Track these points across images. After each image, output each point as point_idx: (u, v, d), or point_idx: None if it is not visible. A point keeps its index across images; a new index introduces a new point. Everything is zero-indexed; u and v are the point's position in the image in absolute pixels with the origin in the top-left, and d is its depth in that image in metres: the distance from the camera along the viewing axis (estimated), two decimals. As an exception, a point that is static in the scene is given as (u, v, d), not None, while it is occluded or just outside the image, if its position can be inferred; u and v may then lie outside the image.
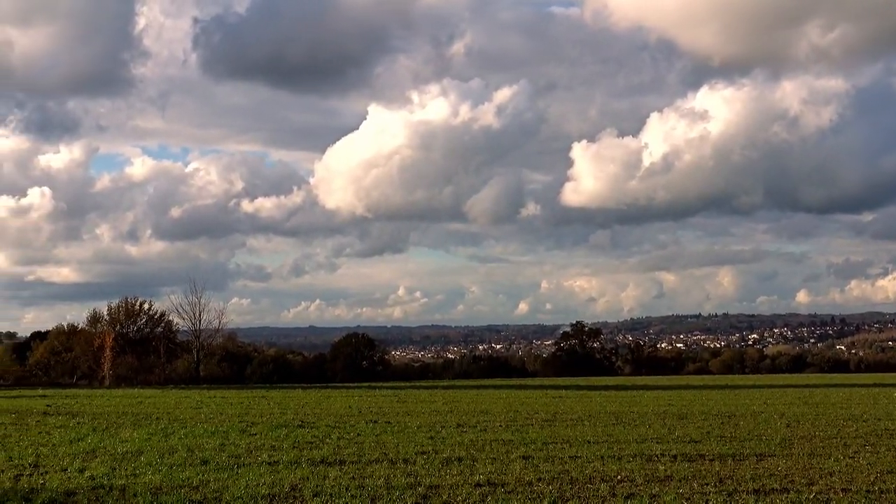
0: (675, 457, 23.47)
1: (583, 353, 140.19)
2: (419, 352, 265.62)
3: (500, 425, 32.67)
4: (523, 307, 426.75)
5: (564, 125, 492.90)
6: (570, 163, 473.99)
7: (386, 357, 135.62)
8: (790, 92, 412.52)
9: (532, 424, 33.21)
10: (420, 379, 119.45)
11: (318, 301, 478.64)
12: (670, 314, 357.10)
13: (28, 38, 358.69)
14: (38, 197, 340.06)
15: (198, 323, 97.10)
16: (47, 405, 43.30)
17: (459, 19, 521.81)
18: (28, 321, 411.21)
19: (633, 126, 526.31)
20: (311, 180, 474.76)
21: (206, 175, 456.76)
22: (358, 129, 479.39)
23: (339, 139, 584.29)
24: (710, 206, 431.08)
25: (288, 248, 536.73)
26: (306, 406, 44.73)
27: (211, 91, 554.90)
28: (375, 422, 33.89)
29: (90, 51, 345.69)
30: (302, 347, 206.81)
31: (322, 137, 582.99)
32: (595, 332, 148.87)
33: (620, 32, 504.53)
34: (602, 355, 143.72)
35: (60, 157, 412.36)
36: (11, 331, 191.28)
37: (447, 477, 19.55)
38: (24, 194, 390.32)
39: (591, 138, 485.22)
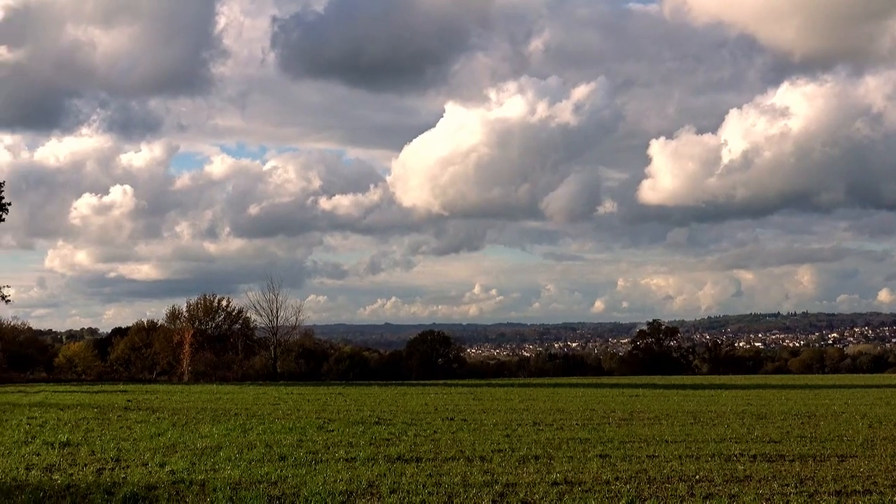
0: (754, 457, 23.22)
1: (659, 351, 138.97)
2: (494, 349, 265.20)
3: (577, 424, 32.54)
4: (599, 305, 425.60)
5: (642, 122, 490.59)
6: (647, 160, 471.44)
7: (461, 355, 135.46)
8: (873, 88, 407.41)
9: (609, 423, 33.03)
10: (495, 377, 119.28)
11: (393, 298, 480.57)
12: (748, 313, 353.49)
13: (110, 38, 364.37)
14: (120, 195, 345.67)
15: (275, 320, 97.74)
16: (128, 400, 43.83)
17: (537, 16, 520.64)
18: (109, 317, 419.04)
19: (711, 123, 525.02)
20: (388, 178, 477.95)
21: (284, 173, 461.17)
22: (435, 126, 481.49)
23: (415, 137, 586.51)
24: (789, 203, 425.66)
25: (364, 246, 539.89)
26: (382, 403, 44.85)
27: (289, 89, 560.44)
28: (451, 419, 33.91)
29: (171, 50, 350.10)
30: (377, 345, 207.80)
31: (399, 135, 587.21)
32: (672, 330, 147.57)
33: (699, 28, 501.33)
34: (679, 354, 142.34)
35: (141, 156, 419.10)
36: (93, 327, 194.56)
37: (524, 475, 19.51)
38: (107, 192, 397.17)
39: (670, 135, 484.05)
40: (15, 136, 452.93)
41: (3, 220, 74.87)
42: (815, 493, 17.91)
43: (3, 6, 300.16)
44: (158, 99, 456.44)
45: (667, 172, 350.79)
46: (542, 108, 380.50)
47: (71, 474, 18.79)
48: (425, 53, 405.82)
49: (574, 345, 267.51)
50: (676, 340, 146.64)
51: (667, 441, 26.68)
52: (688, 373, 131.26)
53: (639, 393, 59.45)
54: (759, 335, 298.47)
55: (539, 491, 17.62)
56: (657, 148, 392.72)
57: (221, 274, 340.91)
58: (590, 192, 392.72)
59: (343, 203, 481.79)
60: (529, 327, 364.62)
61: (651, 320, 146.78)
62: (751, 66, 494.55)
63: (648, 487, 18.26)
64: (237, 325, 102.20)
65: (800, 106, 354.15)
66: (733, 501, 16.98)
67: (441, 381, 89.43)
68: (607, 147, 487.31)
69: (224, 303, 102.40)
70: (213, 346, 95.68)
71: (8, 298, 78.58)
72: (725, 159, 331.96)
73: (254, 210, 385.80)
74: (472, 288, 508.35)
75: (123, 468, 19.76)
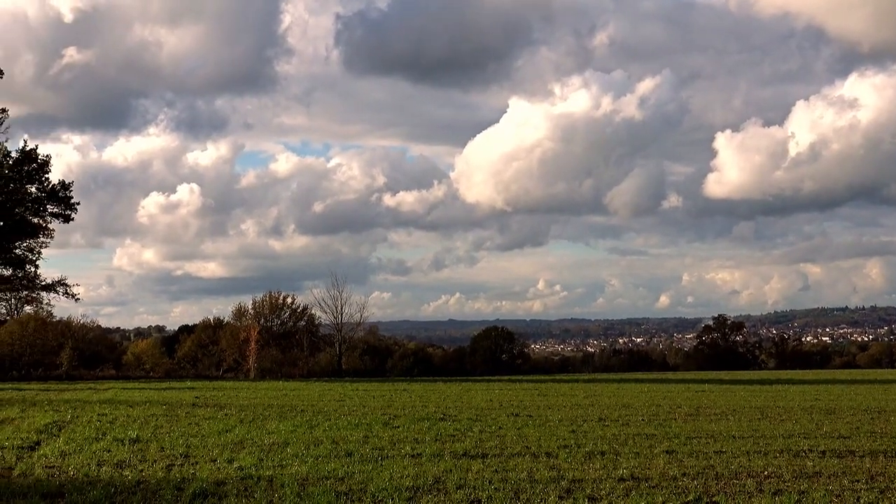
0: (823, 453, 22.98)
1: (725, 346, 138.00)
2: (558, 345, 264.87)
3: (643, 419, 32.39)
4: (664, 300, 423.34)
5: (707, 115, 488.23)
6: (713, 153, 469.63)
7: (525, 350, 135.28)
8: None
9: (675, 419, 32.85)
10: (560, 372, 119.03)
11: (457, 294, 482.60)
12: (816, 307, 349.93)
13: (176, 38, 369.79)
14: (187, 193, 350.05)
15: (340, 317, 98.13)
16: (195, 397, 44.26)
17: (601, 10, 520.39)
18: (176, 315, 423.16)
19: (778, 115, 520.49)
20: (452, 174, 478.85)
21: (349, 170, 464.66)
22: (498, 122, 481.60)
23: (479, 133, 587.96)
24: (858, 196, 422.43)
25: (428, 242, 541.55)
26: (447, 399, 44.92)
27: (352, 87, 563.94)
28: (517, 415, 33.89)
29: (236, 49, 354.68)
30: (441, 341, 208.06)
31: (462, 131, 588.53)
32: (738, 325, 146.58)
33: (766, 20, 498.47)
34: (745, 349, 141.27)
35: (208, 155, 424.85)
36: (160, 324, 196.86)
37: (590, 471, 19.46)
38: (174, 191, 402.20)
39: (736, 128, 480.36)
40: (84, 137, 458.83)
41: (73, 219, 75.71)
42: (887, 489, 17.69)
43: (72, 8, 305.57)
44: (224, 98, 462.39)
45: (733, 166, 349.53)
46: (606, 103, 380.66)
47: (141, 470, 19.02)
48: (488, 49, 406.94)
49: (639, 340, 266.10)
50: (742, 335, 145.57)
51: (734, 437, 26.49)
52: (754, 368, 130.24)
53: (705, 388, 59.02)
54: (827, 330, 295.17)
55: (605, 487, 17.56)
56: (723, 141, 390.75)
57: (286, 271, 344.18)
58: (654, 187, 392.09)
59: (407, 200, 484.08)
60: (594, 323, 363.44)
61: (717, 315, 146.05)
62: (818, 57, 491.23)
63: (716, 483, 18.14)
64: (302, 323, 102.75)
65: (869, 97, 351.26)
66: (802, 498, 16.81)
67: (505, 377, 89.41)
68: (672, 141, 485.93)
69: (289, 300, 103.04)
70: (278, 343, 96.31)
71: (77, 297, 79.55)
72: (792, 152, 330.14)
73: (318, 207, 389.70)
74: (535, 283, 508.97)
75: (192, 464, 19.96)
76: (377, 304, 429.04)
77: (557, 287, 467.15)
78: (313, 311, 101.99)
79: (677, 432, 27.46)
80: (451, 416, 33.25)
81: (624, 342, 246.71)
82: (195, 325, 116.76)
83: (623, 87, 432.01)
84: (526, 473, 18.91)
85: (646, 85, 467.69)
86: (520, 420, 31.66)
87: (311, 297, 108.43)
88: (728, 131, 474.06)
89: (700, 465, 20.56)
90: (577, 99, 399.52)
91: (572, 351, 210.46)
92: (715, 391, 55.47)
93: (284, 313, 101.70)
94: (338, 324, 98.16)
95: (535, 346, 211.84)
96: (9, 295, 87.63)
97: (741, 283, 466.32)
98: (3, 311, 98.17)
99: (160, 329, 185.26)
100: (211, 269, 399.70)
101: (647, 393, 52.58)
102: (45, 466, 19.45)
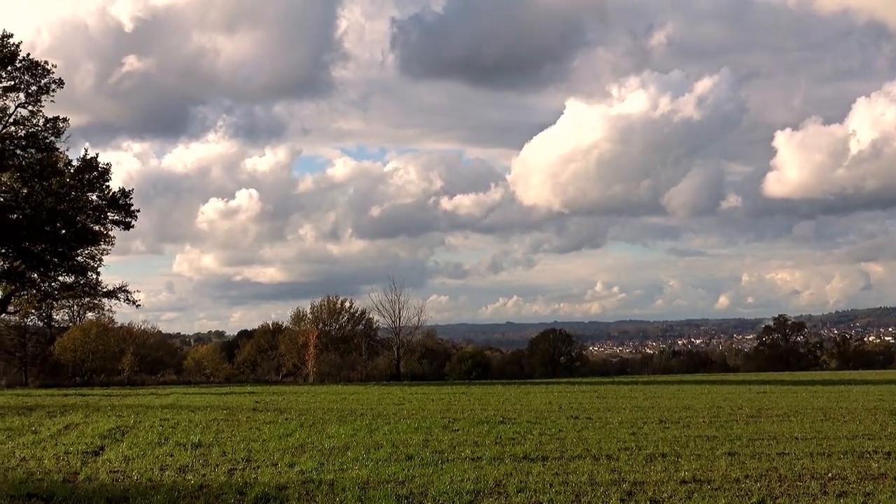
0: (888, 454, 22.69)
1: (786, 347, 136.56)
2: (617, 347, 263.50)
3: (703, 421, 32.16)
4: (723, 301, 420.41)
5: (766, 114, 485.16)
6: (772, 152, 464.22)
7: (583, 353, 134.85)
8: None
9: (736, 420, 32.57)
10: (618, 375, 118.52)
11: (515, 297, 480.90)
12: (878, 306, 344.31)
13: (233, 45, 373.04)
14: (246, 199, 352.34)
15: (397, 320, 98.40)
16: (256, 402, 44.52)
17: (657, 9, 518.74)
18: (235, 320, 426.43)
19: (839, 113, 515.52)
20: (509, 177, 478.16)
21: (405, 174, 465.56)
22: (555, 124, 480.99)
23: (535, 135, 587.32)
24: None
25: (485, 245, 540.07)
26: (506, 402, 44.85)
27: (408, 90, 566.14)
28: (576, 417, 33.78)
29: (293, 55, 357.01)
30: (499, 343, 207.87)
31: (518, 133, 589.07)
32: (799, 325, 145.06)
33: (825, 17, 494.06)
34: (806, 349, 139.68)
35: (266, 160, 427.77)
36: (220, 329, 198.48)
37: (651, 473, 19.35)
38: (233, 197, 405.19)
39: (795, 126, 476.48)
40: (143, 145, 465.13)
41: (133, 226, 76.56)
42: (954, 490, 17.44)
43: (132, 17, 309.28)
44: (282, 104, 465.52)
45: (793, 164, 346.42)
46: (664, 103, 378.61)
47: (203, 475, 19.17)
48: (544, 50, 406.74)
49: (698, 341, 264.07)
50: (804, 336, 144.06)
51: (797, 438, 26.22)
52: (815, 369, 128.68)
53: (766, 390, 58.49)
54: (890, 329, 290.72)
55: (667, 489, 17.47)
56: (782, 140, 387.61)
57: (344, 275, 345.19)
58: (713, 187, 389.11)
59: (464, 203, 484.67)
60: (652, 324, 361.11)
61: (777, 315, 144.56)
62: (879, 53, 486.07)
63: (779, 486, 17.98)
64: (360, 327, 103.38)
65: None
66: (868, 500, 16.62)
67: (564, 380, 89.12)
68: (731, 140, 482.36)
69: (347, 304, 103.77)
70: (337, 347, 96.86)
71: (138, 303, 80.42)
72: (854, 150, 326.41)
73: (375, 211, 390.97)
74: (593, 285, 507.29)
75: (254, 468, 20.09)
76: (435, 308, 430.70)
77: (615, 289, 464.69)
78: (371, 315, 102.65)
79: (739, 434, 27.23)
80: (511, 419, 33.21)
81: (683, 343, 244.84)
82: (254, 330, 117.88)
83: (681, 86, 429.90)
84: (587, 476, 18.85)
85: (704, 84, 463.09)
86: (579, 422, 31.56)
87: (369, 301, 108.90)
88: (788, 130, 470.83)
89: (763, 467, 20.38)
90: (634, 99, 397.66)
91: (631, 353, 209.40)
92: (776, 392, 54.97)
93: (343, 317, 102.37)
94: (396, 327, 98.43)
95: (594, 349, 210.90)
96: (71, 302, 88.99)
97: (802, 282, 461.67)
98: (66, 317, 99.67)
99: (220, 334, 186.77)
100: (270, 274, 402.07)
101: (707, 394, 52.21)
102: (110, 471, 19.66)
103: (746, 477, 18.91)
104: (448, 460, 21.34)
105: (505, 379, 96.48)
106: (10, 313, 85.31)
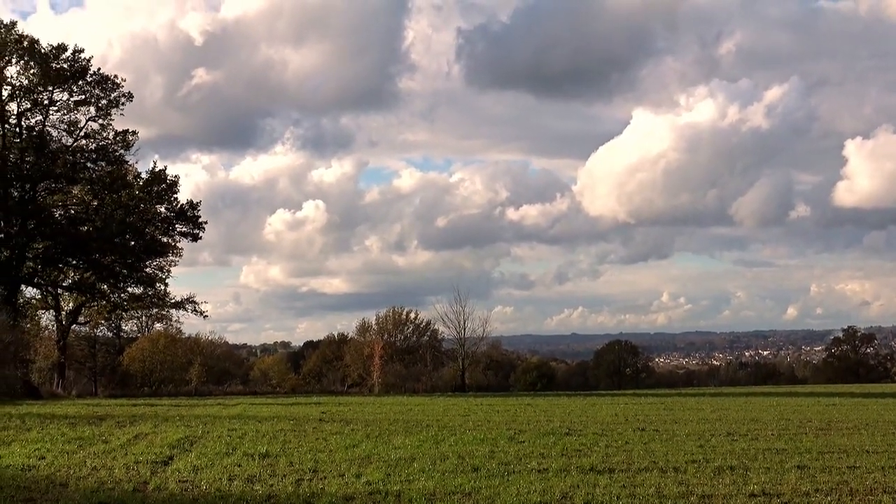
0: (962, 468, 22.32)
1: (856, 359, 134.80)
2: (683, 358, 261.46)
3: (772, 434, 31.80)
4: (791, 312, 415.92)
5: (837, 123, 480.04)
6: (842, 161, 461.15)
7: (649, 364, 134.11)
8: None
9: (805, 433, 32.17)
10: (685, 386, 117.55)
11: (580, 308, 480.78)
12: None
13: (300, 57, 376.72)
14: (313, 210, 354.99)
15: (462, 331, 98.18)
16: (322, 412, 44.62)
17: (727, 18, 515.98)
18: (301, 331, 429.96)
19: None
20: (574, 187, 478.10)
21: (471, 185, 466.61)
22: (621, 134, 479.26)
23: (601, 145, 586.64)
24: None
25: (551, 256, 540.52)
26: (572, 413, 44.63)
27: (474, 101, 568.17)
28: (643, 429, 33.55)
29: (360, 67, 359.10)
30: (564, 355, 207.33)
31: (585, 144, 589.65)
32: (869, 337, 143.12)
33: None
34: (876, 361, 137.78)
35: (332, 172, 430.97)
36: (286, 340, 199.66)
37: (719, 486, 19.18)
38: (300, 208, 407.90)
39: (866, 135, 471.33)
40: (212, 157, 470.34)
41: (201, 238, 77.46)
42: None
43: (202, 31, 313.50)
44: (349, 115, 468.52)
45: (863, 174, 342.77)
46: (732, 112, 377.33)
47: (271, 485, 19.29)
48: (611, 59, 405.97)
49: (765, 353, 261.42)
50: (874, 347, 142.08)
51: (868, 452, 25.84)
52: (886, 381, 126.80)
53: (835, 402, 57.70)
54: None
55: (736, 503, 17.32)
56: (853, 148, 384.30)
57: (409, 286, 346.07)
58: (781, 197, 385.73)
59: (530, 213, 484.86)
60: (719, 335, 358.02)
61: (846, 327, 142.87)
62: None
63: (850, 500, 17.75)
64: (425, 338, 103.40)
65: None
66: (942, 514, 16.36)
67: (629, 391, 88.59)
68: (800, 149, 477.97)
69: (412, 315, 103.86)
70: (402, 358, 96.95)
71: (206, 314, 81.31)
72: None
73: (441, 222, 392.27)
74: (659, 296, 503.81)
75: (321, 479, 20.17)
76: (500, 319, 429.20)
77: (682, 300, 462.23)
78: (436, 327, 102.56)
79: (808, 447, 26.90)
80: (577, 430, 33.06)
81: (750, 355, 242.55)
82: (320, 341, 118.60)
83: (750, 95, 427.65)
84: (654, 489, 18.73)
85: (773, 93, 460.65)
86: (646, 434, 31.34)
87: (435, 312, 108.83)
88: (858, 138, 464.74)
89: (833, 480, 20.13)
90: (702, 109, 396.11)
91: (697, 364, 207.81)
92: (846, 405, 54.22)
93: (408, 328, 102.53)
94: (461, 338, 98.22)
95: (660, 360, 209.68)
96: (140, 313, 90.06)
97: (872, 293, 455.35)
98: (135, 328, 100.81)
99: (286, 345, 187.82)
100: (335, 285, 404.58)
101: (775, 407, 51.61)
102: (179, 481, 19.84)
103: (816, 491, 18.69)
104: (514, 472, 21.29)
105: (570, 390, 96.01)
106: (80, 324, 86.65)
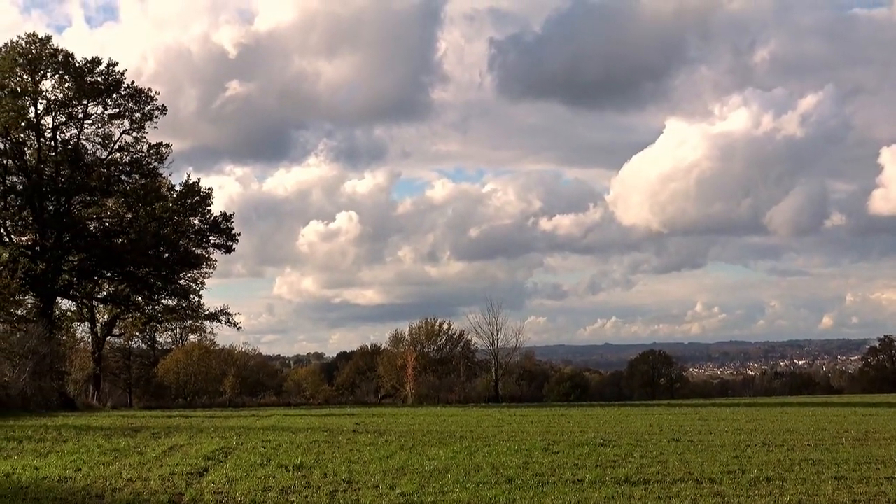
0: None
1: (892, 369, 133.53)
2: (717, 368, 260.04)
3: (808, 444, 31.58)
4: (827, 321, 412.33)
5: (872, 130, 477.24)
6: (878, 169, 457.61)
7: (683, 374, 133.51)
8: None
9: (842, 443, 31.92)
10: (719, 396, 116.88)
11: (613, 318, 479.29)
12: None
13: (333, 68, 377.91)
14: (346, 221, 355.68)
15: (495, 342, 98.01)
16: (356, 423, 44.64)
17: (760, 26, 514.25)
18: (334, 342, 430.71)
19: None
20: (607, 197, 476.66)
21: (503, 195, 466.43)
22: (654, 143, 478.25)
23: (634, 154, 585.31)
24: None
25: (584, 266, 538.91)
26: (606, 424, 44.48)
27: (506, 112, 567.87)
28: (677, 440, 33.38)
29: (393, 78, 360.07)
30: (598, 365, 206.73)
31: (618, 153, 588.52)
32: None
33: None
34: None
35: (365, 183, 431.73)
36: (319, 351, 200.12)
37: (756, 498, 19.05)
38: (333, 219, 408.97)
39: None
40: (245, 169, 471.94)
41: (234, 250, 77.84)
42: None
43: (235, 44, 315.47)
44: (382, 127, 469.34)
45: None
46: (767, 121, 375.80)
47: (305, 496, 19.29)
48: (644, 68, 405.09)
49: (801, 363, 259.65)
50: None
51: (906, 462, 25.63)
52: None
53: (872, 412, 57.24)
54: None
55: (772, 514, 17.21)
56: (889, 156, 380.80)
57: (442, 297, 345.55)
58: (816, 205, 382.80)
59: (563, 223, 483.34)
60: (753, 345, 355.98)
61: (883, 336, 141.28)
62: None
63: (888, 511, 17.61)
64: (458, 348, 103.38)
65: None
66: (982, 526, 16.19)
67: (664, 402, 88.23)
68: (835, 157, 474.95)
69: (445, 326, 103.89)
70: (435, 368, 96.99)
71: (239, 326, 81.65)
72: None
73: (474, 233, 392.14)
74: (693, 306, 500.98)
75: (355, 490, 20.16)
76: (533, 329, 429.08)
77: (716, 309, 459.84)
78: (469, 337, 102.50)
79: (845, 458, 26.68)
80: (611, 441, 32.94)
81: (785, 365, 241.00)
82: (353, 352, 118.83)
83: (784, 104, 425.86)
84: (689, 500, 18.62)
85: (808, 101, 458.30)
86: (681, 445, 31.18)
87: (467, 322, 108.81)
88: (894, 146, 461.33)
89: (871, 491, 19.95)
90: (736, 118, 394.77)
91: (732, 374, 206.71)
92: (883, 415, 53.78)
93: (441, 339, 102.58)
94: (494, 349, 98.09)
95: (694, 370, 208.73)
96: (174, 324, 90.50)
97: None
98: (169, 340, 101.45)
99: (319, 356, 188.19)
100: (368, 296, 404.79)
101: (811, 417, 51.27)
102: (214, 492, 19.88)
103: (854, 502, 18.55)
104: (549, 483, 21.23)
105: (603, 401, 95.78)
106: (115, 336, 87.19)
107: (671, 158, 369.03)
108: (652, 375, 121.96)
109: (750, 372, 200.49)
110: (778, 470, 23.66)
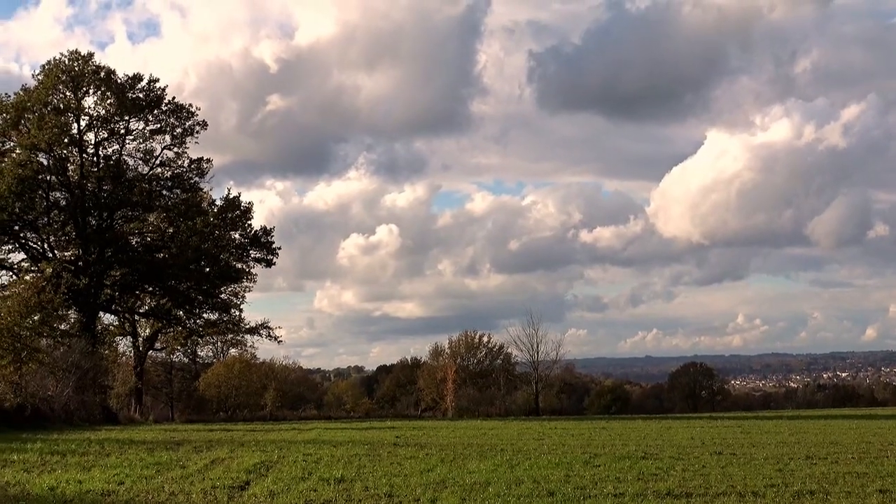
0: None
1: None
2: (759, 381, 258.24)
3: (852, 457, 31.28)
4: (870, 333, 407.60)
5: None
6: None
7: (725, 387, 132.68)
8: None
9: (887, 456, 31.59)
10: (761, 409, 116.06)
11: (654, 330, 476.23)
12: None
13: (373, 82, 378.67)
14: (386, 234, 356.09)
15: (535, 355, 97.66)
16: (396, 437, 44.64)
17: (802, 36, 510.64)
18: (374, 355, 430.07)
19: None
20: (648, 209, 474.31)
21: (543, 207, 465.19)
22: (695, 154, 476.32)
23: (674, 166, 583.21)
24: None
25: (624, 278, 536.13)
26: (647, 437, 44.25)
27: (546, 124, 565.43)
28: (720, 453, 33.16)
29: (432, 91, 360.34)
30: (638, 378, 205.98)
31: (658, 165, 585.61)
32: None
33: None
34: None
35: (405, 196, 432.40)
36: (359, 365, 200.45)
37: (800, 511, 18.91)
38: (373, 232, 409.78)
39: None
40: (286, 183, 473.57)
41: (275, 264, 78.20)
42: None
43: (276, 58, 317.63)
44: (422, 140, 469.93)
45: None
46: (809, 131, 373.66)
47: (347, 509, 19.33)
48: (685, 79, 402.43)
49: (844, 375, 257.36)
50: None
51: (952, 475, 25.34)
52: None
53: (917, 424, 56.66)
54: None
55: (817, 528, 17.07)
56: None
57: (482, 310, 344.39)
58: (859, 216, 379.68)
59: (603, 235, 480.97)
60: (796, 357, 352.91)
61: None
62: None
63: (935, 524, 17.42)
64: (498, 361, 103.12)
65: None
66: None
67: (705, 415, 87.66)
68: (878, 168, 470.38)
69: (485, 339, 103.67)
70: (475, 381, 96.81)
71: (280, 339, 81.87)
72: None
73: (513, 245, 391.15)
74: (735, 318, 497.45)
75: (397, 503, 20.16)
76: (573, 342, 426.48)
77: (757, 321, 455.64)
78: (509, 350, 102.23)
79: (890, 471, 26.41)
80: (653, 454, 32.77)
81: (828, 377, 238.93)
82: (393, 365, 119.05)
83: (826, 114, 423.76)
84: (733, 513, 18.51)
85: (850, 111, 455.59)
86: (723, 458, 30.97)
87: (507, 335, 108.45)
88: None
89: (917, 505, 19.77)
90: (778, 128, 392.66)
91: (774, 387, 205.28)
92: (928, 427, 53.23)
93: (480, 352, 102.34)
94: (534, 362, 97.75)
95: (735, 383, 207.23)
96: (215, 338, 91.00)
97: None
98: (210, 353, 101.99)
99: (359, 369, 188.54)
100: (408, 309, 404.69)
101: (855, 429, 50.79)
102: (256, 506, 19.95)
103: (900, 515, 18.38)
104: (590, 496, 21.15)
105: (644, 413, 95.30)
106: (157, 350, 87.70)
107: (712, 170, 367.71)
108: (693, 388, 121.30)
109: (792, 384, 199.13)
110: (822, 483, 23.46)
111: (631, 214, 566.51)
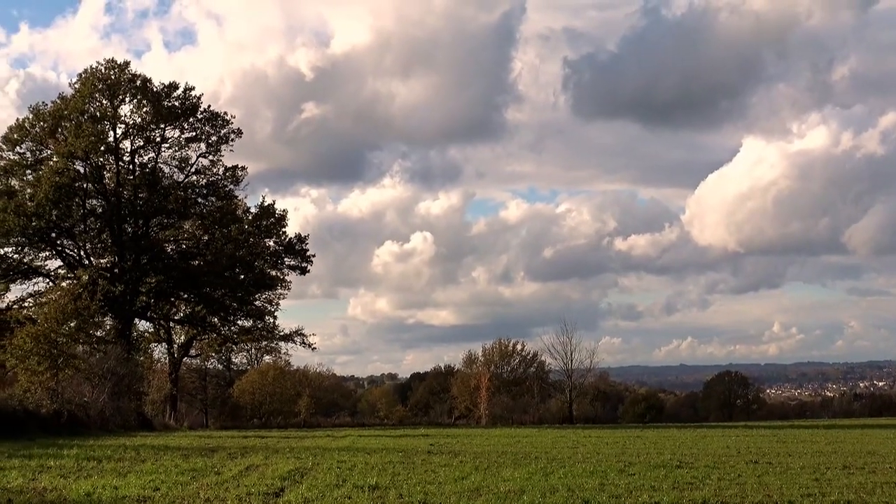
0: None
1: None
2: (795, 390, 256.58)
3: (890, 467, 31.01)
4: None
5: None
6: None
7: (760, 395, 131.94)
8: None
9: (925, 466, 31.35)
10: (797, 418, 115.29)
11: (689, 339, 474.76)
12: None
13: (407, 90, 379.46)
14: (420, 242, 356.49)
15: (569, 363, 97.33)
16: (430, 444, 44.60)
17: (839, 43, 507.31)
18: (408, 363, 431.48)
19: None
20: (683, 216, 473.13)
21: (578, 215, 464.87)
22: (731, 162, 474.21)
23: (709, 173, 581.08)
24: None
25: (659, 286, 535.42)
26: (682, 446, 44.05)
27: (581, 132, 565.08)
28: (756, 462, 32.96)
29: (467, 99, 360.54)
30: (673, 386, 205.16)
31: (693, 172, 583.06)
32: None
33: None
34: None
35: (439, 204, 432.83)
36: (393, 372, 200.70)
37: (837, 521, 18.76)
38: (407, 240, 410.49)
39: None
40: (321, 190, 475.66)
41: (309, 271, 78.41)
42: None
43: (311, 66, 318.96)
44: (456, 147, 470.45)
45: None
46: (846, 139, 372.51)
47: (381, 517, 19.31)
48: (721, 86, 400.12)
49: (881, 384, 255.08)
50: None
51: None
52: None
53: (956, 434, 56.12)
54: None
55: (855, 538, 16.93)
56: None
57: (516, 318, 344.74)
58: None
59: (638, 243, 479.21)
60: (832, 366, 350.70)
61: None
62: None
63: (975, 535, 17.23)
64: (532, 369, 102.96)
65: None
66: None
67: (741, 423, 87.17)
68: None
69: (519, 347, 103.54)
70: (509, 389, 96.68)
71: (314, 346, 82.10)
72: None
73: (548, 253, 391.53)
74: (770, 326, 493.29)
75: (430, 511, 20.16)
76: (607, 350, 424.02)
77: (793, 330, 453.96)
78: (543, 358, 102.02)
79: (929, 481, 26.18)
80: (688, 463, 32.60)
81: (865, 386, 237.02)
82: (427, 373, 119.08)
83: (864, 121, 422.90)
84: (769, 523, 18.38)
85: (888, 119, 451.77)
86: (759, 467, 30.78)
87: (541, 343, 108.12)
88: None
89: (956, 515, 19.56)
90: (815, 136, 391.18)
91: (810, 396, 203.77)
92: (967, 437, 52.73)
93: (514, 360, 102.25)
94: (568, 370, 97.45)
95: (771, 391, 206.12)
96: (250, 345, 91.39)
97: None
98: (245, 360, 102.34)
99: (393, 377, 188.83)
100: (442, 316, 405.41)
101: (893, 439, 50.38)
102: (290, 512, 19.98)
103: (939, 526, 18.20)
104: (625, 505, 21.06)
105: (679, 422, 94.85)
106: (191, 356, 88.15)
107: (748, 177, 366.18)
108: (728, 397, 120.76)
109: (828, 393, 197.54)
110: (859, 493, 23.27)
111: (666, 222, 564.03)
